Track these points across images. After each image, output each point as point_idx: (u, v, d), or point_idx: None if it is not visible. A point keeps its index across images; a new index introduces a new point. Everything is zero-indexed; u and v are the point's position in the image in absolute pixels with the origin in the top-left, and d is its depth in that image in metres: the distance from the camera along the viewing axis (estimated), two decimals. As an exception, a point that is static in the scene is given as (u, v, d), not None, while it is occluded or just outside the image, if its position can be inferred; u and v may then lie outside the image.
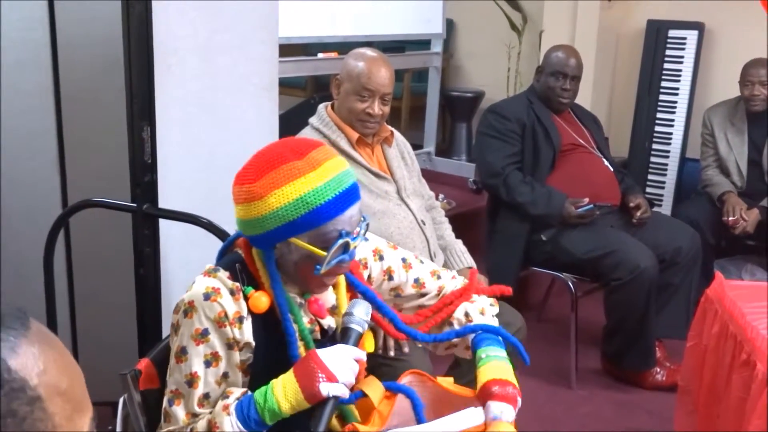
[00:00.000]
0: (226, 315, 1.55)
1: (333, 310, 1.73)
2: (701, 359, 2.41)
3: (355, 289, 1.73)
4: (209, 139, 2.86)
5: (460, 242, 3.04)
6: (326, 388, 1.51)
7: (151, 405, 1.64)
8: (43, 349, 0.79)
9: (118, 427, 1.68)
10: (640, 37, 5.09)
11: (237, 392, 1.56)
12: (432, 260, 2.81)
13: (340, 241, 1.54)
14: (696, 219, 4.03)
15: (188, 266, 2.87)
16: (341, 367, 1.54)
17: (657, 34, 4.97)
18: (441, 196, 4.74)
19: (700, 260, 3.71)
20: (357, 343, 1.62)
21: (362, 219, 1.61)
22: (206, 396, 1.56)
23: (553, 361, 3.80)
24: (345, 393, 1.55)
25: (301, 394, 1.51)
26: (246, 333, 1.58)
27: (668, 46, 4.95)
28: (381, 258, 1.83)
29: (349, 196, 1.56)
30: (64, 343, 2.86)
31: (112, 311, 2.99)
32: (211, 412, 1.55)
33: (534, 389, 3.58)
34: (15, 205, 3.04)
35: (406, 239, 2.73)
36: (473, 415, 1.60)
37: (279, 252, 1.59)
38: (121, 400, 1.65)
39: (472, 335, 1.78)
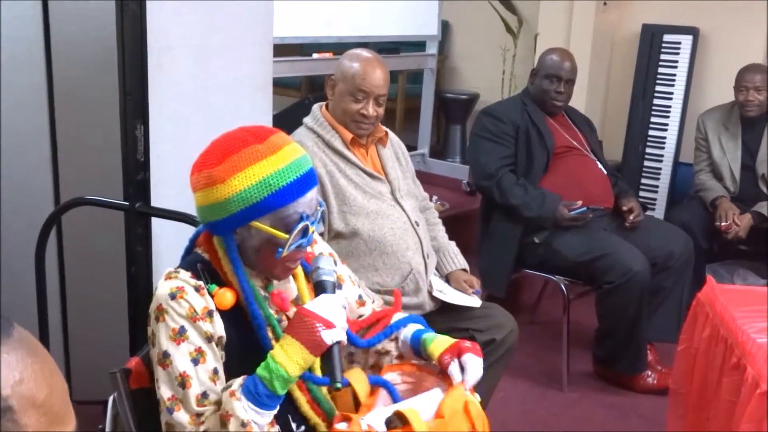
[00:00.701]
0: (195, 311, 1.55)
1: (297, 301, 1.74)
2: (692, 363, 2.41)
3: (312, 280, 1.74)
4: (202, 138, 2.83)
5: (453, 244, 3.04)
6: (328, 336, 1.54)
7: (141, 404, 1.64)
8: (22, 358, 0.75)
9: (108, 426, 1.67)
10: (634, 42, 5.10)
11: (239, 379, 1.55)
12: (425, 261, 2.81)
13: (302, 224, 1.56)
14: (689, 223, 4.04)
15: (180, 265, 2.87)
16: (333, 312, 1.57)
17: (652, 39, 4.98)
18: (435, 197, 4.74)
19: (693, 264, 3.72)
20: (333, 291, 1.65)
21: (320, 205, 1.64)
22: (204, 395, 1.55)
23: (545, 363, 3.80)
24: (344, 336, 1.58)
25: (305, 350, 1.52)
26: (218, 326, 1.58)
27: (663, 50, 4.96)
28: (334, 263, 1.85)
29: (309, 179, 1.59)
30: (55, 342, 2.86)
31: (104, 310, 2.98)
32: (216, 409, 1.55)
33: (525, 391, 3.58)
34: (7, 203, 3.03)
35: (399, 240, 2.73)
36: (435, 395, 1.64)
37: (239, 238, 1.60)
38: (110, 399, 1.65)
39: (405, 331, 1.82)
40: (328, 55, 4.76)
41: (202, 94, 2.84)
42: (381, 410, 1.64)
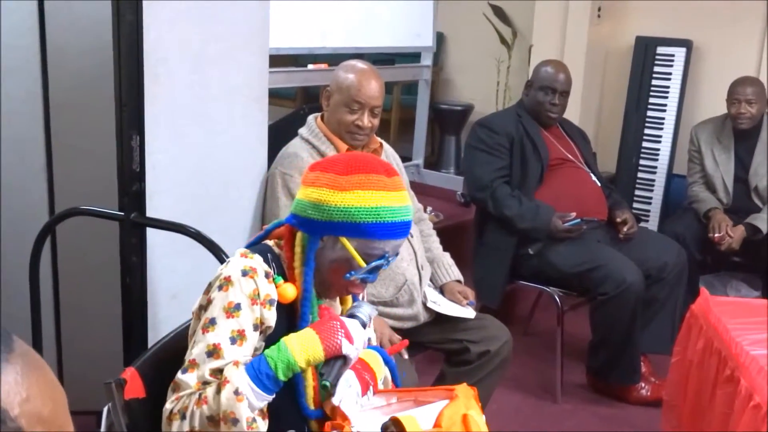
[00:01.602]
0: (258, 294, 1.59)
1: None
2: (686, 374, 2.42)
3: None
4: (198, 148, 2.86)
5: (447, 255, 3.05)
6: (345, 345, 1.58)
7: (136, 414, 1.63)
8: (27, 373, 0.74)
9: (102, 437, 1.67)
10: (628, 54, 5.12)
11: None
12: (419, 272, 2.81)
13: (380, 261, 1.64)
14: (682, 235, 4.05)
15: (174, 276, 2.87)
16: (358, 333, 1.62)
17: (645, 51, 5.01)
18: (429, 208, 4.74)
19: (686, 276, 3.73)
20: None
21: (396, 253, 1.70)
22: (218, 370, 1.57)
23: (539, 374, 3.80)
24: (353, 359, 1.62)
25: (321, 346, 1.56)
26: (272, 316, 1.62)
27: (656, 62, 4.98)
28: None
29: (406, 227, 1.67)
30: (49, 352, 2.86)
31: (98, 320, 2.98)
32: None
33: (519, 403, 3.58)
34: (2, 212, 3.03)
35: (393, 251, 2.73)
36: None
37: (323, 244, 1.66)
38: (105, 410, 1.64)
39: None
40: (323, 66, 4.77)
41: (198, 105, 2.85)
42: (375, 418, 1.65)
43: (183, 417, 1.54)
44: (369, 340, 1.81)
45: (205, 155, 2.88)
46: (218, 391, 1.52)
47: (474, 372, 2.78)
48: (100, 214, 2.62)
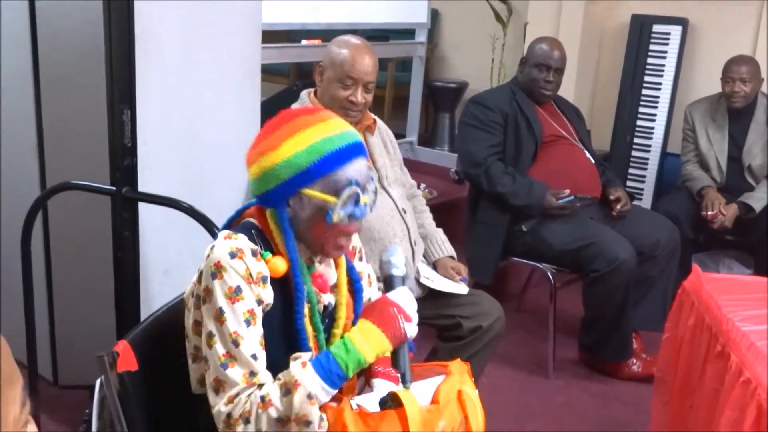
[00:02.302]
0: (251, 273, 1.57)
1: (332, 288, 1.75)
2: (677, 351, 2.42)
3: (349, 275, 1.78)
4: (190, 123, 2.85)
5: (440, 231, 3.05)
6: (409, 329, 1.59)
7: (128, 387, 1.63)
8: None
9: (94, 410, 1.67)
10: (624, 32, 5.10)
11: (306, 354, 1.57)
12: (413, 248, 2.81)
13: (350, 188, 1.59)
14: (675, 213, 4.06)
15: (167, 251, 2.87)
16: (412, 306, 1.62)
17: (641, 29, 4.99)
18: (423, 185, 4.74)
19: (679, 254, 3.74)
20: (403, 284, 1.70)
21: (371, 179, 1.66)
22: (255, 357, 1.55)
23: (531, 351, 3.82)
24: (416, 333, 1.63)
25: (387, 339, 1.57)
26: (268, 292, 1.60)
27: (652, 41, 4.97)
28: (360, 259, 1.89)
29: (358, 147, 1.63)
30: (41, 327, 2.86)
31: (90, 295, 2.98)
32: (269, 376, 1.56)
33: (511, 378, 3.60)
34: (-7, 187, 3.02)
35: (386, 227, 2.73)
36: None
37: (292, 210, 1.63)
38: (97, 383, 1.64)
39: None
40: (316, 41, 4.75)
41: (190, 80, 2.83)
42: (374, 393, 1.65)
43: (247, 421, 1.52)
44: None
45: (197, 131, 2.87)
46: (286, 393, 1.50)
47: (466, 347, 2.79)
48: (92, 188, 2.61)
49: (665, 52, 4.94)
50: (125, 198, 2.54)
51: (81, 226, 2.95)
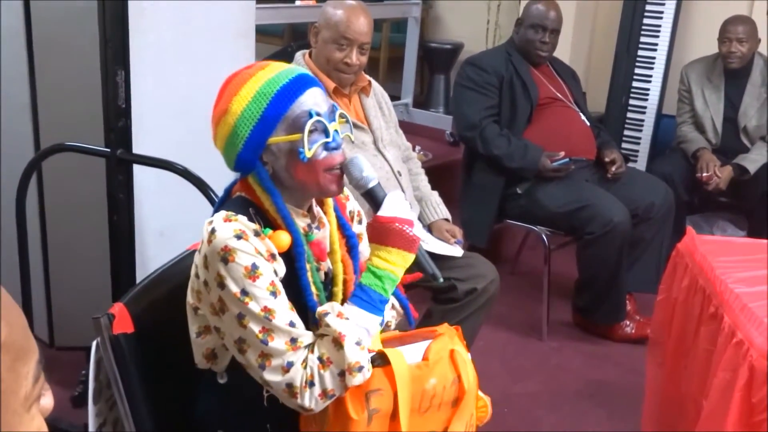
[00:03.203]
0: (260, 252, 1.53)
1: (330, 255, 1.73)
2: (671, 312, 2.44)
3: (344, 232, 1.75)
4: (184, 85, 2.83)
5: (435, 194, 3.05)
6: (417, 232, 1.61)
7: (125, 349, 1.64)
8: None
9: (91, 371, 1.68)
10: (620, -8, 5.06)
11: (334, 304, 1.57)
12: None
13: (312, 119, 1.55)
14: (670, 175, 4.06)
15: (162, 213, 2.87)
16: (405, 209, 1.63)
17: (637, -11, 4.95)
18: (418, 147, 4.73)
19: (673, 216, 3.75)
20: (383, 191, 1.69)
21: (334, 107, 1.62)
22: (292, 324, 1.53)
23: (525, 313, 3.84)
24: (420, 227, 1.67)
25: (404, 252, 1.59)
26: (281, 266, 1.57)
27: (648, 1, 4.92)
28: (360, 222, 1.86)
29: (304, 79, 1.59)
30: (37, 289, 2.85)
31: (86, 257, 2.98)
32: (311, 336, 1.55)
33: (505, 340, 3.62)
34: (-14, 149, 3.01)
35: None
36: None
37: (270, 167, 1.59)
38: (93, 344, 1.65)
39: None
40: (311, 2, 4.71)
41: (184, 41, 2.81)
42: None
43: (312, 384, 1.51)
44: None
45: (191, 92, 2.85)
46: (339, 348, 1.49)
47: (461, 310, 2.81)
48: (87, 150, 2.60)
49: (662, 12, 4.90)
50: (120, 160, 2.53)
51: (76, 188, 2.94)
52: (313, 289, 1.62)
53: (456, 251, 2.88)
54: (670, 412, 2.42)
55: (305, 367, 1.51)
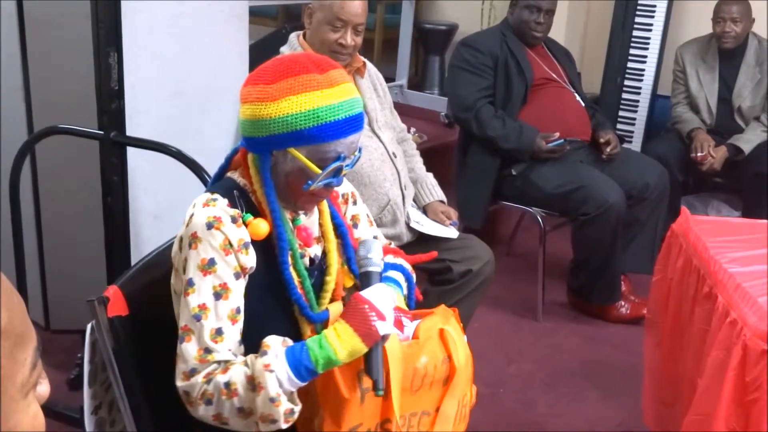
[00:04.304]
0: (230, 242, 1.52)
1: (318, 239, 1.73)
2: (666, 293, 2.44)
3: (333, 221, 1.74)
4: (177, 67, 2.82)
5: (430, 175, 3.05)
6: (381, 327, 1.51)
7: (119, 332, 1.64)
8: None
9: (86, 354, 1.68)
10: (615, -28, 5.04)
11: (273, 348, 1.50)
12: (403, 192, 2.81)
13: (336, 164, 1.54)
14: (665, 156, 4.06)
15: (156, 196, 2.86)
16: (387, 304, 1.55)
17: (632, -31, 4.93)
18: (413, 129, 4.72)
19: (668, 196, 3.75)
20: (379, 281, 1.63)
21: (358, 150, 1.61)
22: (218, 332, 1.52)
23: (520, 294, 3.85)
24: (392, 330, 1.54)
25: (358, 338, 1.49)
26: (251, 258, 1.56)
27: (643, -19, 4.91)
28: (354, 203, 1.85)
29: (357, 122, 1.56)
30: (32, 272, 2.84)
31: (80, 240, 2.97)
32: (229, 356, 1.52)
33: (500, 321, 3.63)
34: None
35: (377, 171, 2.73)
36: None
37: (275, 159, 1.58)
38: (88, 327, 1.65)
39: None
40: (305, -17, 4.67)
41: (177, 23, 2.80)
42: None
43: (209, 403, 1.50)
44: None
45: (184, 74, 2.84)
46: (252, 389, 1.46)
47: (456, 291, 2.81)
48: (80, 132, 2.59)
49: (657, -9, 4.89)
50: (113, 142, 2.52)
51: (69, 171, 2.94)
52: (294, 275, 1.61)
53: (451, 233, 2.88)
54: (668, 392, 2.43)
55: (207, 383, 1.51)
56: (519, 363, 3.32)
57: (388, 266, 1.77)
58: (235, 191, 1.61)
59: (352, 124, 1.54)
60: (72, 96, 2.79)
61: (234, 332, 1.54)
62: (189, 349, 1.52)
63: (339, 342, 1.49)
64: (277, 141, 1.53)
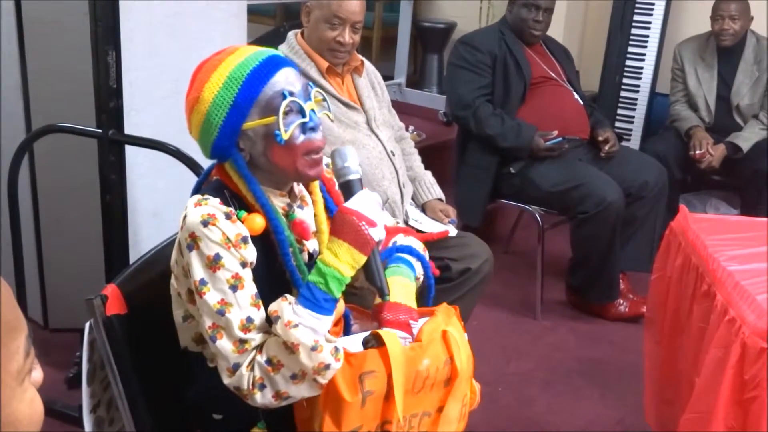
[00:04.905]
0: (228, 238, 1.51)
1: (315, 234, 1.71)
2: (665, 291, 2.44)
3: (330, 214, 1.71)
4: (175, 65, 2.82)
5: (429, 173, 3.05)
6: (374, 233, 1.53)
7: (118, 331, 1.64)
8: None
9: (84, 353, 1.67)
10: (613, -30, 5.04)
11: (282, 305, 1.49)
12: (401, 190, 2.81)
13: (286, 100, 1.52)
14: (663, 154, 4.06)
15: (154, 194, 2.86)
16: (374, 209, 1.56)
17: (631, -33, 4.93)
18: (411, 127, 4.72)
19: (666, 194, 3.75)
20: (362, 188, 1.63)
21: (309, 86, 1.59)
22: (249, 320, 1.51)
23: (519, 292, 3.85)
24: (384, 235, 1.57)
25: (354, 249, 1.51)
26: (251, 252, 1.55)
27: (641, -21, 4.91)
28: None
29: (275, 60, 1.56)
30: (30, 271, 2.84)
31: (79, 238, 2.97)
32: (265, 336, 1.52)
33: (499, 320, 3.63)
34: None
35: (375, 170, 2.72)
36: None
37: (246, 153, 1.57)
38: (87, 326, 1.64)
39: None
40: (303, -19, 4.67)
41: (175, 21, 2.80)
42: (357, 334, 1.65)
43: (263, 387, 1.49)
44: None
45: (182, 72, 2.81)
46: (291, 353, 1.46)
47: (455, 289, 2.81)
48: (78, 131, 2.59)
49: (655, -10, 4.89)
50: (112, 141, 2.52)
51: (68, 169, 2.93)
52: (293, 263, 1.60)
53: (450, 231, 2.88)
54: (667, 390, 2.43)
55: (251, 370, 1.50)
56: (518, 361, 3.33)
57: (399, 249, 1.77)
58: (225, 191, 1.60)
59: (271, 62, 1.55)
60: (70, 94, 2.79)
61: (261, 316, 1.54)
62: (224, 345, 1.50)
63: (338, 261, 1.50)
64: (227, 129, 1.53)
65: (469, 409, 1.68)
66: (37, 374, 0.81)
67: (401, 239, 1.82)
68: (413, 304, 1.68)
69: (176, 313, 1.63)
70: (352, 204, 1.56)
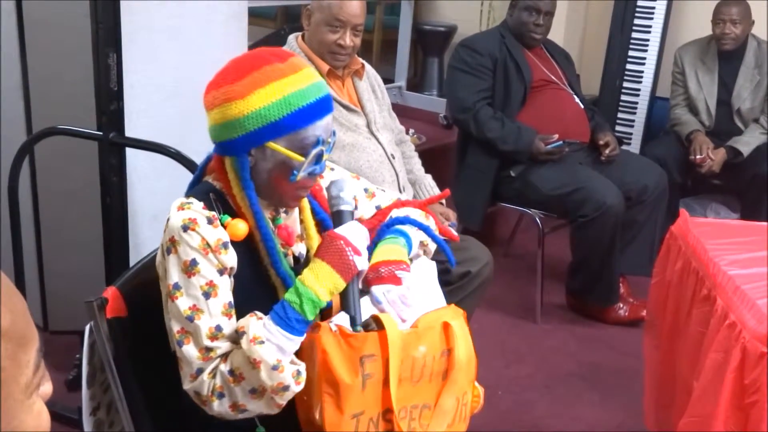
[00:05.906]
0: (207, 243, 1.51)
1: (300, 237, 1.72)
2: (665, 295, 2.44)
3: (316, 216, 1.72)
4: (176, 67, 2.82)
5: (429, 177, 3.05)
6: (358, 262, 1.53)
7: (118, 333, 1.64)
8: None
9: (84, 355, 1.67)
10: (614, -27, 5.04)
11: (252, 321, 1.49)
12: (401, 194, 2.81)
13: (317, 148, 1.53)
14: (664, 157, 4.06)
15: (155, 197, 2.86)
16: (360, 240, 1.56)
17: (631, -29, 4.93)
18: (411, 130, 4.71)
19: (666, 198, 3.75)
20: (352, 219, 1.64)
21: (333, 134, 1.60)
22: (218, 328, 1.51)
23: (519, 295, 3.85)
24: (367, 266, 1.57)
25: (336, 274, 1.51)
26: (231, 257, 1.55)
27: (642, -17, 4.91)
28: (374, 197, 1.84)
29: (328, 103, 1.56)
30: (30, 273, 2.84)
31: (79, 241, 2.97)
32: (232, 345, 1.52)
33: (499, 323, 3.63)
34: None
35: (375, 173, 2.72)
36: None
37: (253, 160, 1.56)
38: (87, 328, 1.64)
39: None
40: (304, -16, 4.67)
41: (176, 23, 2.80)
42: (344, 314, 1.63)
43: (221, 395, 1.50)
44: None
45: (183, 75, 2.84)
46: (253, 368, 1.45)
47: (455, 293, 2.80)
48: (79, 133, 2.59)
49: (655, -6, 4.89)
50: (112, 143, 2.52)
51: (68, 171, 2.93)
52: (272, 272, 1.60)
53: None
54: (666, 394, 2.43)
55: (213, 377, 1.51)
56: (517, 365, 3.32)
57: (394, 221, 1.76)
58: (211, 194, 1.59)
59: (324, 105, 1.54)
60: (71, 96, 2.78)
61: (232, 326, 1.53)
62: (190, 351, 1.51)
63: (317, 282, 1.50)
64: (253, 138, 1.52)
65: (471, 411, 1.68)
66: (47, 388, 0.81)
67: (397, 212, 1.81)
68: (398, 257, 1.66)
69: (166, 316, 1.63)
70: (342, 231, 1.58)
